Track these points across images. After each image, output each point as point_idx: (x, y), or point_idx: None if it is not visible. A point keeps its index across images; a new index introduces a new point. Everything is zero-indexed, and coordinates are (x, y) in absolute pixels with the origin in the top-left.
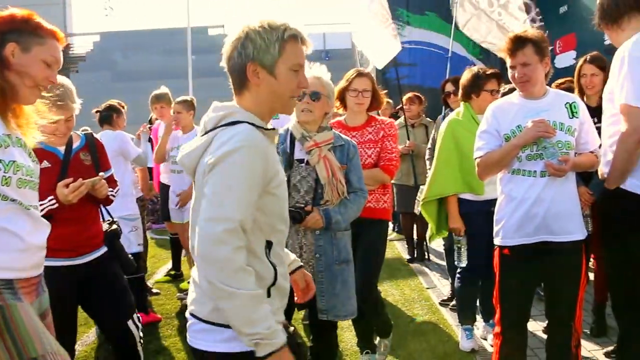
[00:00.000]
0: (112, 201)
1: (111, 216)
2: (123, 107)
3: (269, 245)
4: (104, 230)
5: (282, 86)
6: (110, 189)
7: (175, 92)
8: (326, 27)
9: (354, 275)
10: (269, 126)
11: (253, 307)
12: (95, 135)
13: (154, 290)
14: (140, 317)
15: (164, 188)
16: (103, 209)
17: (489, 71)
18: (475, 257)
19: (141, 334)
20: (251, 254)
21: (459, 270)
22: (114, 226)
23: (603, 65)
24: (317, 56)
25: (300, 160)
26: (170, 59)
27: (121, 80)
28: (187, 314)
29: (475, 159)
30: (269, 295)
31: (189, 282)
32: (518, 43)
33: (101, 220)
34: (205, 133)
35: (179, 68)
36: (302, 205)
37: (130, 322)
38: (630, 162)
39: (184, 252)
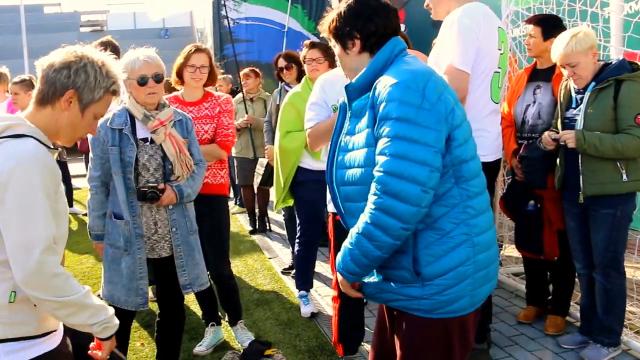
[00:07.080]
0: None
1: None
2: None
3: None
4: None
5: (81, 125)
6: None
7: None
8: (165, 5)
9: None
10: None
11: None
12: None
13: None
14: None
15: None
16: None
17: (308, 42)
18: (313, 224)
19: None
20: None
21: (296, 237)
22: None
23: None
24: (156, 34)
25: (145, 140)
26: (1, 38)
27: None
28: None
29: (306, 130)
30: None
31: None
32: None
33: None
34: None
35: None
36: (155, 185)
37: None
38: None
39: None
